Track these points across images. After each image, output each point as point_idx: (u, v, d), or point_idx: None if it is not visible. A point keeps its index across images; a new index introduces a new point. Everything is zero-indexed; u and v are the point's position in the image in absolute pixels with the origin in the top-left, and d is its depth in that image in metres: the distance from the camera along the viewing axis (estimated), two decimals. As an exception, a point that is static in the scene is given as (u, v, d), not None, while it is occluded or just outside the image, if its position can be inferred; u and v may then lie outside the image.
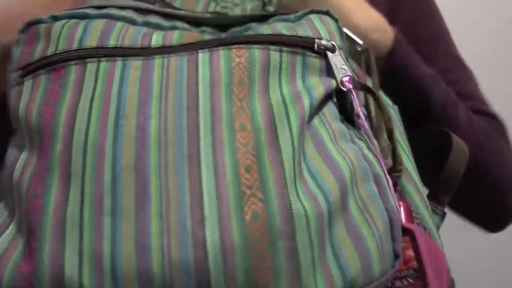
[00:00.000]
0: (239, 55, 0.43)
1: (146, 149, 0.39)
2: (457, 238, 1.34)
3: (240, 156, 0.39)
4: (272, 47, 0.44)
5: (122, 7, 0.48)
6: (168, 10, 0.51)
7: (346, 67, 0.45)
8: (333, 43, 0.46)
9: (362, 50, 0.51)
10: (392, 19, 0.70)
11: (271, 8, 0.61)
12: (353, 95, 0.45)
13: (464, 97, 0.70)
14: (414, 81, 0.62)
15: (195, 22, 0.50)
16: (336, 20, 0.49)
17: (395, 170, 0.45)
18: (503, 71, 1.22)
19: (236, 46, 0.43)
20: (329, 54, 0.45)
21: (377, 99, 0.46)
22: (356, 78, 0.46)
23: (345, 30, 0.49)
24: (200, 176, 0.38)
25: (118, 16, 0.47)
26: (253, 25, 0.49)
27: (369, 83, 0.50)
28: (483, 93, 0.74)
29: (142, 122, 0.40)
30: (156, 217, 0.37)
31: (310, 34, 0.46)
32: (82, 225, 0.37)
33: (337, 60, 0.45)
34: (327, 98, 0.45)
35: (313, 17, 0.48)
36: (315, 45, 0.45)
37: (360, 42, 0.51)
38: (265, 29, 0.46)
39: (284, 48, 0.44)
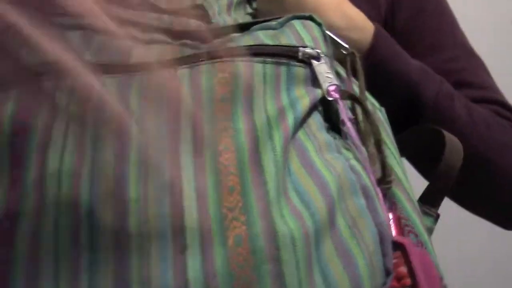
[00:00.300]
0: (222, 70, 0.41)
1: (126, 179, 0.36)
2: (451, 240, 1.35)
3: (222, 178, 0.37)
4: (255, 59, 0.42)
5: None
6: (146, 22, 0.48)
7: (331, 75, 0.44)
8: (318, 50, 0.44)
9: (347, 54, 0.50)
10: (395, 10, 0.70)
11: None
12: (339, 104, 0.44)
13: (471, 86, 0.69)
14: (400, 78, 0.61)
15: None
16: (319, 24, 0.47)
17: (384, 181, 0.43)
18: (504, 71, 1.22)
19: (219, 60, 0.41)
20: (314, 62, 0.44)
21: (363, 108, 0.45)
22: (342, 87, 0.45)
23: (329, 33, 0.48)
24: (182, 201, 0.36)
25: None
26: (235, 35, 0.47)
27: (356, 86, 0.49)
28: (493, 81, 0.73)
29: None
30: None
31: (294, 42, 0.44)
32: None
33: (322, 68, 0.44)
34: (312, 108, 0.43)
35: (295, 23, 0.47)
36: (299, 54, 0.44)
37: (345, 45, 0.50)
38: (246, 39, 0.45)
39: (268, 59, 0.43)
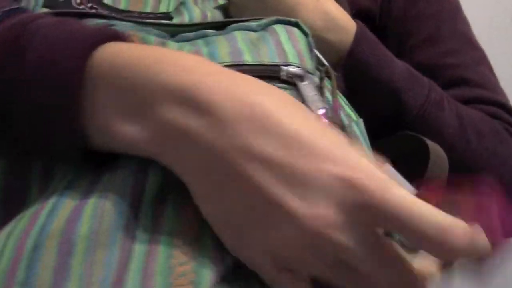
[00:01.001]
0: None
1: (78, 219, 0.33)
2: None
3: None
4: None
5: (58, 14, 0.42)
6: (106, 12, 0.45)
7: (317, 98, 0.40)
8: (303, 68, 0.40)
9: (325, 71, 0.44)
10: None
11: None
12: None
13: (468, 84, 0.64)
14: (382, 84, 0.56)
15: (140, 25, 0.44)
16: (306, 34, 0.43)
17: None
18: (504, 70, 1.19)
19: None
20: (299, 84, 0.40)
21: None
22: (330, 112, 0.40)
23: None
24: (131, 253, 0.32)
25: None
26: (209, 32, 0.43)
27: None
28: (494, 78, 0.67)
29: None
30: None
31: (275, 57, 0.40)
32: None
33: (308, 89, 0.40)
34: None
35: (279, 30, 0.42)
36: (283, 74, 0.40)
37: (325, 62, 0.45)
38: (221, 45, 0.40)
39: None
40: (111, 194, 0.33)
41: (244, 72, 0.37)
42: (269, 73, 0.40)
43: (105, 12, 0.46)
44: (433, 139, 0.52)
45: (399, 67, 0.58)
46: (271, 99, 0.33)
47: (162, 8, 0.52)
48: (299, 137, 0.31)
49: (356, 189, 0.30)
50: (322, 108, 0.39)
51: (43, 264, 0.31)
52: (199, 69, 0.34)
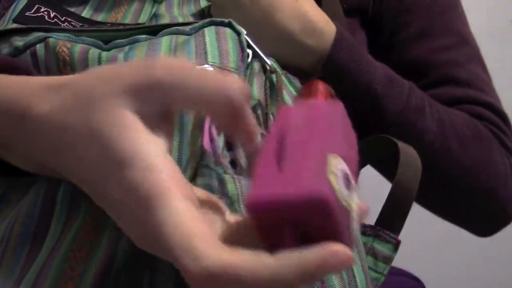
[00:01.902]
0: None
1: None
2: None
3: None
4: None
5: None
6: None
7: None
8: (221, 68, 0.40)
9: (270, 71, 0.44)
10: None
11: None
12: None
13: (458, 83, 0.62)
14: (361, 90, 0.54)
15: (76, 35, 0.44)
16: (238, 33, 0.42)
17: None
18: (503, 71, 1.17)
19: None
20: None
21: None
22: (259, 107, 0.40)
23: (252, 44, 0.42)
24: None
25: None
26: (141, 38, 0.43)
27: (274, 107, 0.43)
28: (485, 75, 0.65)
29: None
30: None
31: (193, 57, 0.39)
32: None
33: None
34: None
35: (208, 31, 0.42)
36: None
37: (268, 61, 0.44)
38: (140, 50, 0.40)
39: None
40: (25, 203, 0.35)
41: None
42: None
43: (68, 26, 0.48)
44: (412, 144, 0.50)
45: (379, 72, 0.55)
46: None
47: (141, 20, 0.52)
48: None
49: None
50: None
51: None
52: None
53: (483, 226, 0.65)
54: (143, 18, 0.52)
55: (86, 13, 0.52)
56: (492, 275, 1.40)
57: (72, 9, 0.52)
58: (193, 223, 0.26)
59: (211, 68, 0.39)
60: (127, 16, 0.52)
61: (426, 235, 1.25)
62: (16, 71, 0.37)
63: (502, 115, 0.63)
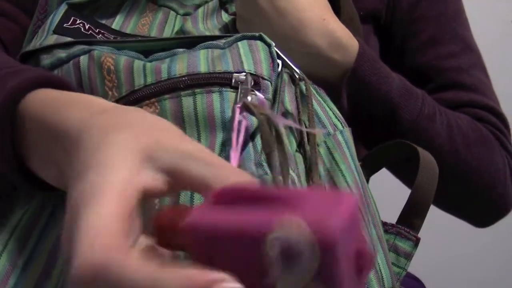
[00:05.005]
0: (150, 112, 0.39)
1: None
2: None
3: None
4: (183, 92, 0.40)
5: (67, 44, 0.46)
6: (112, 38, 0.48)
7: (255, 100, 0.41)
8: (257, 75, 0.42)
9: (299, 79, 0.46)
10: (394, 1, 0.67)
11: (232, 7, 0.57)
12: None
13: (463, 88, 0.67)
14: (381, 100, 0.58)
15: (117, 48, 0.46)
16: (268, 45, 0.44)
17: None
18: (503, 71, 1.19)
19: (147, 101, 0.40)
20: (240, 87, 0.41)
21: (310, 139, 0.43)
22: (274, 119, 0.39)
23: (281, 54, 0.45)
24: None
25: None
26: (178, 51, 0.45)
27: (305, 115, 0.45)
28: (486, 79, 0.70)
29: None
30: None
31: (230, 67, 0.41)
32: None
33: (248, 92, 0.40)
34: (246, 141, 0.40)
35: (241, 44, 0.44)
36: (233, 80, 0.41)
37: (298, 70, 0.46)
38: (181, 61, 0.42)
39: (197, 90, 0.40)
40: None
41: (197, 80, 0.40)
42: (220, 80, 0.41)
43: (103, 38, 0.49)
44: (424, 148, 0.54)
45: (396, 83, 0.59)
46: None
47: (166, 33, 0.54)
48: None
49: None
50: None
51: None
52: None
53: (482, 218, 0.70)
54: (168, 32, 0.54)
55: (115, 25, 0.54)
56: (492, 275, 1.42)
57: (103, 21, 0.54)
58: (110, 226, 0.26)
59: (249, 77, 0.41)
60: (153, 28, 0.54)
61: (426, 235, 1.28)
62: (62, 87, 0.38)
63: (502, 117, 0.68)
